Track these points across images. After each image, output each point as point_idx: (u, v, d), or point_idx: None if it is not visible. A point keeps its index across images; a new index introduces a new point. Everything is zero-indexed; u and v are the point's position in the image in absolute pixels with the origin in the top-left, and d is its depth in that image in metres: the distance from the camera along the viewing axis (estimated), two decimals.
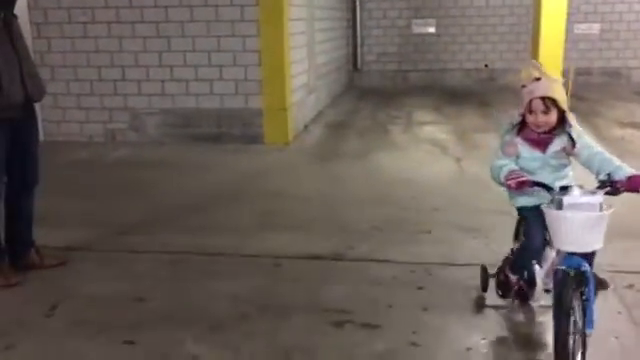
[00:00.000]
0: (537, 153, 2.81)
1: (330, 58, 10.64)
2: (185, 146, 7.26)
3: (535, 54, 10.46)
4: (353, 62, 13.12)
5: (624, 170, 2.60)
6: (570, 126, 2.75)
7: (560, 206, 2.50)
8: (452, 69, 13.06)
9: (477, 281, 3.36)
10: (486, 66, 12.96)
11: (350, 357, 2.86)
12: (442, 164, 6.34)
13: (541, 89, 2.71)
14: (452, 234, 4.32)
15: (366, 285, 3.62)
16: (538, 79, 2.74)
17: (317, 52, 9.35)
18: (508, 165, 2.77)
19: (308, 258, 4.02)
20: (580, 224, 2.47)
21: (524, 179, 2.66)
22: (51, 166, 4.13)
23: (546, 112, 2.71)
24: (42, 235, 3.98)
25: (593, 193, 2.49)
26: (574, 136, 2.75)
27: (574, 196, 2.48)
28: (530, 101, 2.72)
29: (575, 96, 7.85)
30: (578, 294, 2.50)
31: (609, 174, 2.59)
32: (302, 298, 3.48)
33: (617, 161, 2.67)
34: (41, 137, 3.96)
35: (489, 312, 3.24)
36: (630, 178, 2.55)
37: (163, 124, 7.48)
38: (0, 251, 3.74)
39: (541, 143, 2.80)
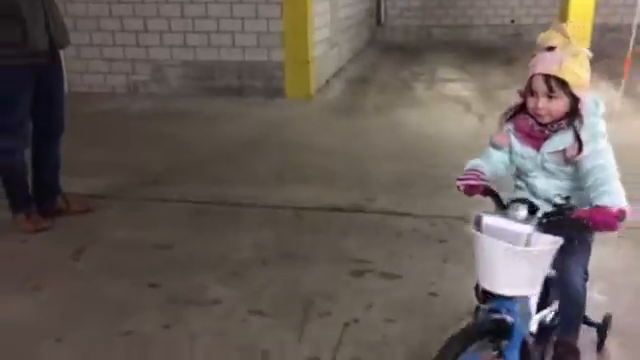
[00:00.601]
0: (529, 149, 2.13)
1: (353, 12, 10.47)
2: (206, 99, 7.27)
3: (564, 9, 10.20)
4: (376, 17, 12.90)
5: (606, 199, 1.88)
6: (581, 122, 2.00)
7: (478, 226, 1.93)
8: (477, 25, 12.79)
9: None
10: (512, 22, 12.67)
11: (369, 304, 2.91)
12: (465, 121, 6.28)
13: (546, 63, 1.99)
14: None
15: (386, 237, 3.65)
16: (551, 48, 2.01)
17: (340, 5, 9.19)
18: (476, 160, 2.21)
19: (329, 210, 4.05)
20: (490, 254, 1.88)
21: (474, 183, 2.10)
22: (75, 117, 4.17)
23: (550, 96, 2.00)
24: (68, 182, 4.05)
25: (524, 220, 1.89)
26: (583, 138, 1.99)
27: (496, 217, 1.93)
28: (531, 78, 2.03)
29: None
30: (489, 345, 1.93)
31: (568, 197, 1.98)
32: (322, 248, 3.52)
33: (612, 185, 1.92)
34: (65, 88, 3.99)
35: None
36: (594, 210, 1.86)
37: (185, 76, 7.47)
38: (28, 197, 3.82)
39: (535, 137, 2.11)
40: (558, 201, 1.97)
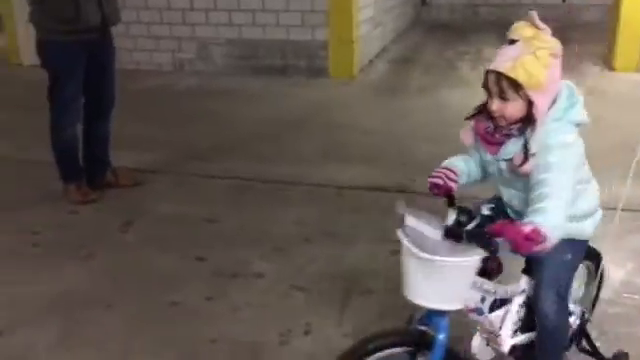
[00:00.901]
0: (487, 154, 1.90)
1: None
2: (250, 77, 7.31)
3: None
4: None
5: (538, 218, 1.64)
6: (533, 130, 1.73)
7: (402, 224, 1.77)
8: (526, 4, 12.43)
9: None
10: (564, 1, 12.28)
11: None
12: None
13: (500, 59, 1.73)
14: None
15: None
16: (513, 41, 1.74)
17: None
18: (455, 158, 2.01)
19: (371, 189, 4.06)
20: (404, 258, 1.75)
21: (439, 182, 1.91)
22: (123, 93, 4.27)
23: (503, 98, 1.74)
24: (117, 157, 4.17)
25: (438, 227, 1.74)
26: (532, 147, 1.72)
27: (417, 219, 1.77)
28: (486, 75, 1.78)
29: None
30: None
31: (493, 207, 1.86)
32: (365, 227, 3.54)
33: (551, 204, 1.67)
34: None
35: None
36: (509, 226, 1.63)
37: (229, 55, 7.53)
38: (79, 170, 3.95)
39: (491, 142, 1.86)
40: (484, 212, 1.82)
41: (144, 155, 4.67)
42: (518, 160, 1.75)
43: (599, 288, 2.32)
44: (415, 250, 1.67)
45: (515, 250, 1.61)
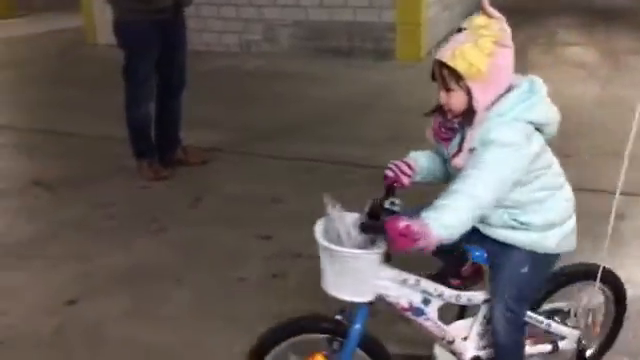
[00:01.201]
0: (444, 150, 1.81)
1: None
2: (316, 59, 7.30)
3: None
4: None
5: (432, 213, 1.56)
6: (469, 123, 1.64)
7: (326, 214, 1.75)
8: None
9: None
10: None
11: None
12: (586, 86, 5.90)
13: (442, 48, 1.65)
14: (594, 159, 4.08)
15: None
16: (460, 30, 1.65)
17: None
18: (420, 152, 1.97)
19: None
20: (320, 248, 1.74)
21: (387, 173, 1.91)
22: (193, 74, 4.36)
23: (448, 89, 1.67)
24: (186, 135, 4.25)
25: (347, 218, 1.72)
26: (468, 142, 1.64)
27: (339, 210, 1.76)
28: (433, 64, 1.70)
29: None
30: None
31: (393, 201, 1.77)
32: None
33: (457, 203, 1.56)
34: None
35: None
36: (391, 220, 1.55)
37: (295, 36, 7.53)
38: (151, 147, 4.05)
39: (442, 136, 1.80)
40: (386, 205, 1.74)
41: (212, 134, 4.74)
42: (453, 154, 1.67)
43: (618, 320, 2.12)
44: (320, 239, 1.69)
45: (390, 246, 1.55)
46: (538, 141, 1.68)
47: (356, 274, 1.68)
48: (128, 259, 3.04)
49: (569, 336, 1.99)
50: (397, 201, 1.78)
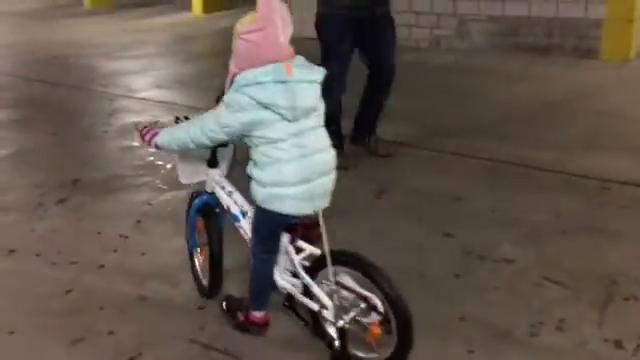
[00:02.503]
0: None
1: None
2: (510, 56, 7.01)
3: None
4: None
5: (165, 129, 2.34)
6: (228, 85, 2.11)
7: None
8: None
9: None
10: None
11: None
12: None
13: None
14: None
15: None
16: None
17: None
18: None
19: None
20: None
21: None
22: None
23: None
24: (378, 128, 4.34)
25: None
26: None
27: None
28: None
29: None
30: None
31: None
32: (631, 226, 3.20)
33: (181, 126, 2.27)
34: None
35: None
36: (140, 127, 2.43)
37: (489, 32, 7.30)
38: (340, 137, 4.19)
39: None
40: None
41: (399, 128, 4.78)
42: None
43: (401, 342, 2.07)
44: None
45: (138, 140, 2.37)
46: (256, 116, 2.00)
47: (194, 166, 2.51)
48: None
49: (329, 307, 2.14)
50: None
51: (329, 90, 3.97)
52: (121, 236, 3.31)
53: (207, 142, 2.14)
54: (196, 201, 2.59)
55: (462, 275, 2.84)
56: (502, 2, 7.08)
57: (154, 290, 2.80)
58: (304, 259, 2.26)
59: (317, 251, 2.22)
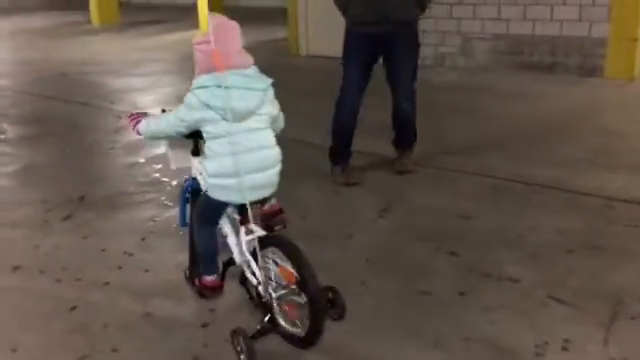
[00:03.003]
0: None
1: None
2: (514, 74, 7.04)
3: None
4: None
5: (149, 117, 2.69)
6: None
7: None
8: None
9: None
10: None
11: None
12: None
13: None
14: None
15: None
16: None
17: None
18: None
19: None
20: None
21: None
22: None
23: None
24: (381, 144, 4.34)
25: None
26: None
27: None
28: None
29: None
30: None
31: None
32: (636, 244, 3.19)
33: (157, 117, 2.61)
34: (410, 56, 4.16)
35: None
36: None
37: (493, 50, 7.34)
38: (345, 154, 4.21)
39: None
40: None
41: None
42: None
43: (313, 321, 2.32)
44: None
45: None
46: (202, 114, 2.36)
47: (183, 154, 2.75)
48: (319, 261, 3.18)
49: (261, 283, 2.46)
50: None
51: (339, 102, 4.05)
52: (125, 253, 3.32)
53: (172, 133, 2.51)
54: (185, 184, 2.83)
55: (466, 294, 2.83)
56: (506, 21, 7.12)
57: (158, 307, 2.81)
58: (252, 240, 2.47)
59: (264, 233, 2.50)
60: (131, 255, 3.30)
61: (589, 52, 6.67)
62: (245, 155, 2.37)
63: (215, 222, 2.62)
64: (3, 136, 5.55)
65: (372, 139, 4.82)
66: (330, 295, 2.57)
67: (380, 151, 4.63)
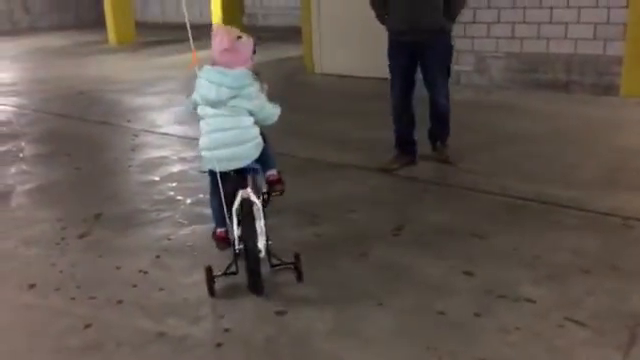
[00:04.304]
0: None
1: None
2: (529, 92, 7.02)
3: None
4: None
5: None
6: None
7: None
8: None
9: None
10: None
11: None
12: None
13: None
14: None
15: None
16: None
17: None
18: None
19: None
20: None
21: None
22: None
23: None
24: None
25: None
26: None
27: None
28: None
29: None
30: None
31: None
32: None
33: None
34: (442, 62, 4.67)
35: None
36: None
37: (507, 68, 7.33)
38: (398, 143, 4.81)
39: None
40: None
41: (419, 164, 4.80)
42: None
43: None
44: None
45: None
46: (195, 97, 3.03)
47: None
48: (333, 278, 3.18)
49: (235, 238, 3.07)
50: None
51: (391, 99, 4.68)
52: (140, 271, 3.33)
53: (191, 107, 3.10)
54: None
55: (482, 315, 2.80)
56: (520, 39, 7.12)
57: (172, 326, 2.80)
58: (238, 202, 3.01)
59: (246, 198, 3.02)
60: (146, 273, 3.31)
61: (604, 70, 6.64)
62: (214, 134, 2.99)
63: (216, 185, 3.04)
64: (21, 154, 5.61)
65: (386, 158, 4.82)
66: (294, 259, 3.11)
67: (395, 170, 4.64)
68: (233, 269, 3.04)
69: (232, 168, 3.00)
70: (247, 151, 3.01)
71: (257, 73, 3.09)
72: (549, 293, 2.94)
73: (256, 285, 2.98)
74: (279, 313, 2.87)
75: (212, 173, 3.04)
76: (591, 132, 5.51)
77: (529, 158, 4.88)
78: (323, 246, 3.53)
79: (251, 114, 3.01)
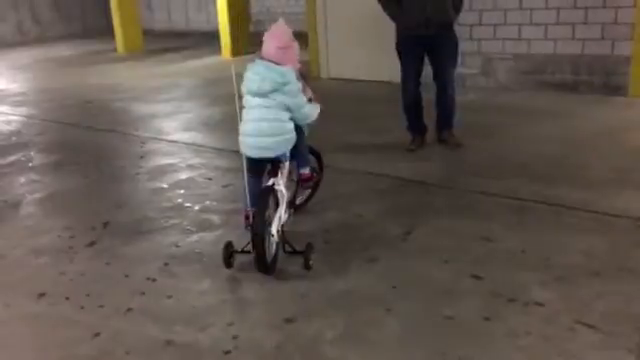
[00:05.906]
0: None
1: None
2: (536, 93, 6.99)
3: None
4: None
5: None
6: None
7: None
8: None
9: None
10: None
11: None
12: None
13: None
14: None
15: None
16: None
17: None
18: None
19: None
20: None
21: None
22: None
23: None
24: (399, 168, 4.31)
25: None
26: None
27: None
28: None
29: None
30: None
31: None
32: None
33: None
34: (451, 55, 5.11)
35: None
36: None
37: (514, 70, 7.30)
38: (412, 128, 5.27)
39: None
40: None
41: (426, 167, 4.79)
42: None
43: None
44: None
45: None
46: (243, 89, 3.28)
47: None
48: (342, 284, 3.17)
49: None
50: None
51: (402, 88, 5.22)
52: (148, 279, 3.33)
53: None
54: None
55: (492, 319, 2.78)
56: (527, 41, 7.10)
57: (180, 334, 2.81)
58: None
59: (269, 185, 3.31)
60: (154, 281, 3.32)
61: (613, 71, 6.60)
62: (249, 124, 3.25)
63: (248, 168, 3.30)
64: (30, 164, 5.65)
65: (394, 162, 4.82)
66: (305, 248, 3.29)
67: (402, 174, 4.63)
68: (249, 248, 3.19)
69: (264, 156, 3.25)
70: (278, 144, 3.24)
71: (303, 75, 3.44)
72: (559, 296, 2.92)
73: (259, 264, 3.16)
74: (288, 320, 2.87)
75: (247, 157, 3.31)
76: (600, 133, 5.47)
77: (537, 159, 4.85)
78: (332, 251, 3.52)
79: (289, 110, 3.26)
